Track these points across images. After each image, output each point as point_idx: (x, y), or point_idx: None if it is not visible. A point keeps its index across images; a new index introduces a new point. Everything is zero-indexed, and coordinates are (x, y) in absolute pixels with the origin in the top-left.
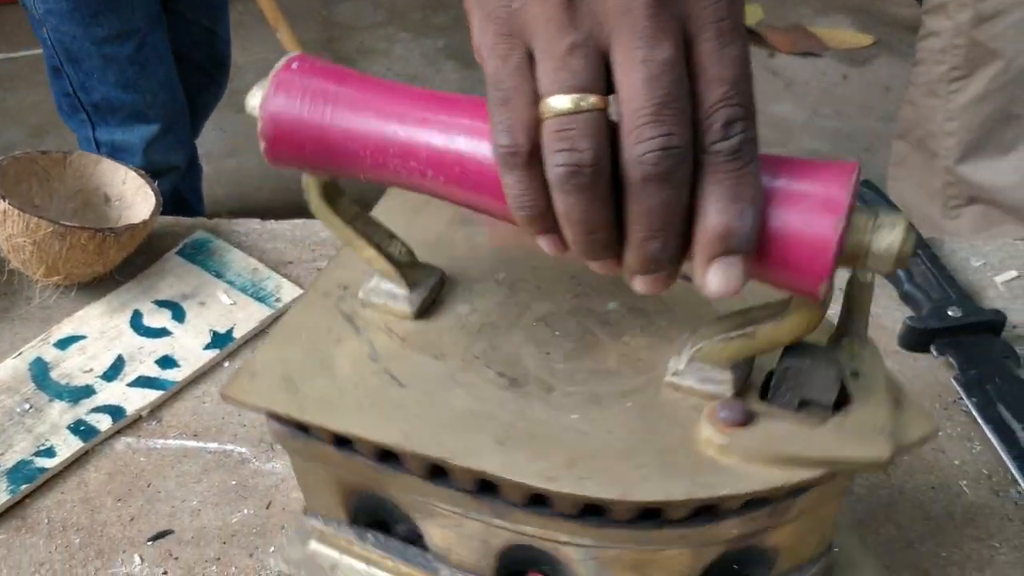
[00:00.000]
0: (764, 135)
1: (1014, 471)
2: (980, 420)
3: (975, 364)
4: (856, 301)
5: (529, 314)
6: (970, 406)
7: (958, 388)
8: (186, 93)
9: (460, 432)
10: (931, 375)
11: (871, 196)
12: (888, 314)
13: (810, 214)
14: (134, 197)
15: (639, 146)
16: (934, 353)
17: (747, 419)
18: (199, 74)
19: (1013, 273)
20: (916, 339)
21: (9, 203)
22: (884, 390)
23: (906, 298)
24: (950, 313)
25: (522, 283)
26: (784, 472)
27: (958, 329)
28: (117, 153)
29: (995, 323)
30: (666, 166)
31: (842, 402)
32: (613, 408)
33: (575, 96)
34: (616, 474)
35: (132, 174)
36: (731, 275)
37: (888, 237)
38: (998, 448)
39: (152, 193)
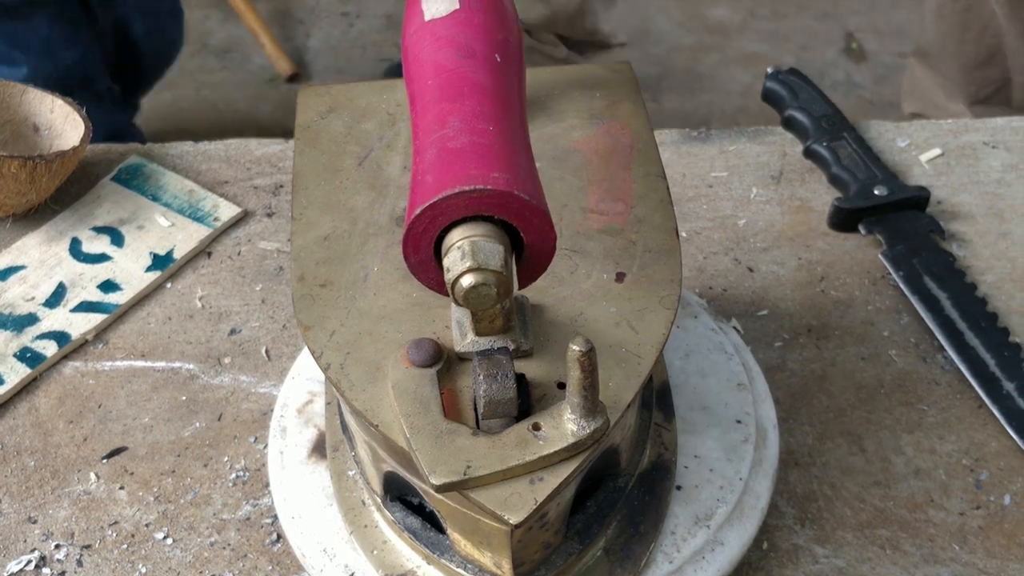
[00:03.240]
0: (701, 39)
1: (940, 338)
2: (907, 292)
3: (901, 239)
4: None
5: None
6: (897, 279)
7: (885, 263)
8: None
9: None
10: (860, 253)
11: (799, 84)
12: (817, 197)
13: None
14: (63, 125)
15: None
16: (862, 231)
17: (432, 361)
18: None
19: (937, 151)
20: (844, 219)
21: None
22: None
23: (834, 180)
24: (876, 192)
25: None
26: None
27: (884, 207)
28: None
29: (919, 199)
30: None
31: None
32: None
33: None
34: None
35: (59, 102)
36: None
37: (458, 266)
38: (925, 318)
39: (81, 120)
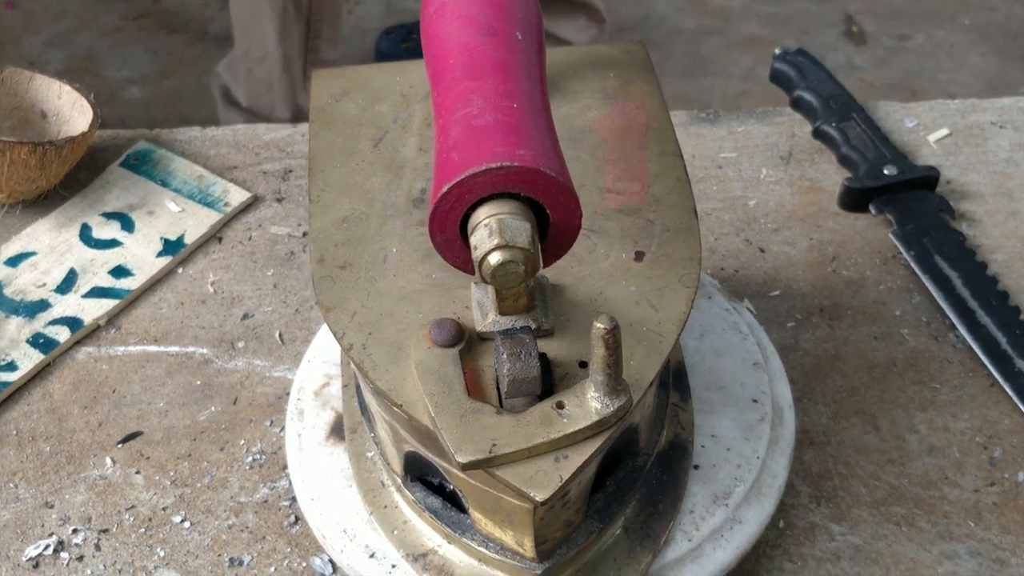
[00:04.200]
0: (702, 23)
1: (952, 317)
2: (918, 271)
3: (912, 219)
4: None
5: None
6: (908, 259)
7: (896, 243)
8: None
9: None
10: (870, 233)
11: (807, 65)
12: (827, 178)
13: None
14: (71, 111)
15: None
16: (872, 211)
17: (454, 341)
18: None
19: (945, 131)
20: (854, 199)
21: None
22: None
23: (844, 161)
24: (886, 172)
25: None
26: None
27: (894, 186)
28: None
29: (929, 179)
30: None
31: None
32: None
33: None
34: None
35: (67, 88)
36: None
37: (485, 244)
38: (936, 297)
39: (89, 105)
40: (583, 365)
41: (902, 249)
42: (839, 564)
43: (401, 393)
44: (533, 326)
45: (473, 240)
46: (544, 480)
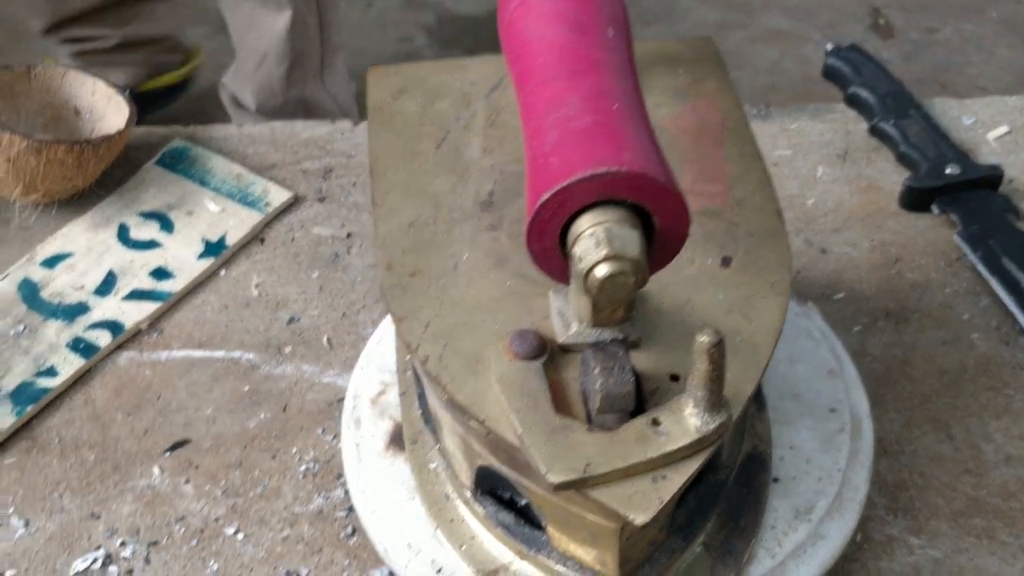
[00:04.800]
0: (726, 16)
1: (1022, 321)
2: (986, 274)
3: (977, 219)
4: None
5: None
6: (975, 261)
7: (961, 244)
8: None
9: None
10: (933, 233)
11: (861, 60)
12: (886, 177)
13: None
14: (105, 108)
15: None
16: (935, 211)
17: (537, 354)
18: None
19: (1005, 128)
20: (916, 199)
21: None
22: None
23: (903, 159)
24: (948, 171)
25: None
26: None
27: (957, 186)
28: None
29: (993, 178)
30: None
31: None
32: None
33: None
34: None
35: (101, 84)
36: None
37: (592, 255)
38: (1005, 300)
39: (124, 102)
40: (674, 379)
41: (967, 251)
42: None
43: (483, 408)
44: (621, 337)
45: (577, 251)
46: (643, 502)
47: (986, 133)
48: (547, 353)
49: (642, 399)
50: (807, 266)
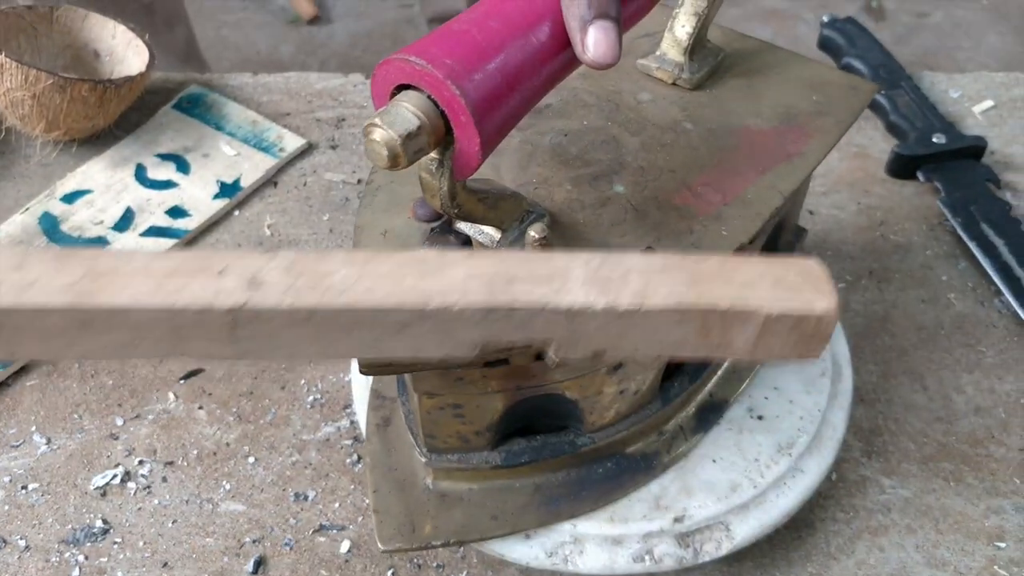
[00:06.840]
0: None
1: (998, 283)
2: (965, 238)
3: (959, 187)
4: None
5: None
6: (955, 225)
7: (943, 210)
8: None
9: None
10: (918, 199)
11: (856, 32)
12: (874, 144)
13: None
14: (125, 51)
15: None
16: (920, 178)
17: (433, 218)
18: None
19: (990, 102)
20: (903, 166)
21: (6, 55)
22: None
23: (891, 128)
24: (935, 140)
25: None
26: None
27: (943, 155)
28: None
29: (977, 148)
30: None
31: None
32: None
33: None
34: None
35: (121, 28)
36: (609, 37)
37: (372, 117)
38: (983, 263)
39: (144, 46)
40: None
41: (949, 216)
42: (889, 515)
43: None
44: (478, 238)
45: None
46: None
47: (972, 106)
48: (441, 221)
49: None
50: None
